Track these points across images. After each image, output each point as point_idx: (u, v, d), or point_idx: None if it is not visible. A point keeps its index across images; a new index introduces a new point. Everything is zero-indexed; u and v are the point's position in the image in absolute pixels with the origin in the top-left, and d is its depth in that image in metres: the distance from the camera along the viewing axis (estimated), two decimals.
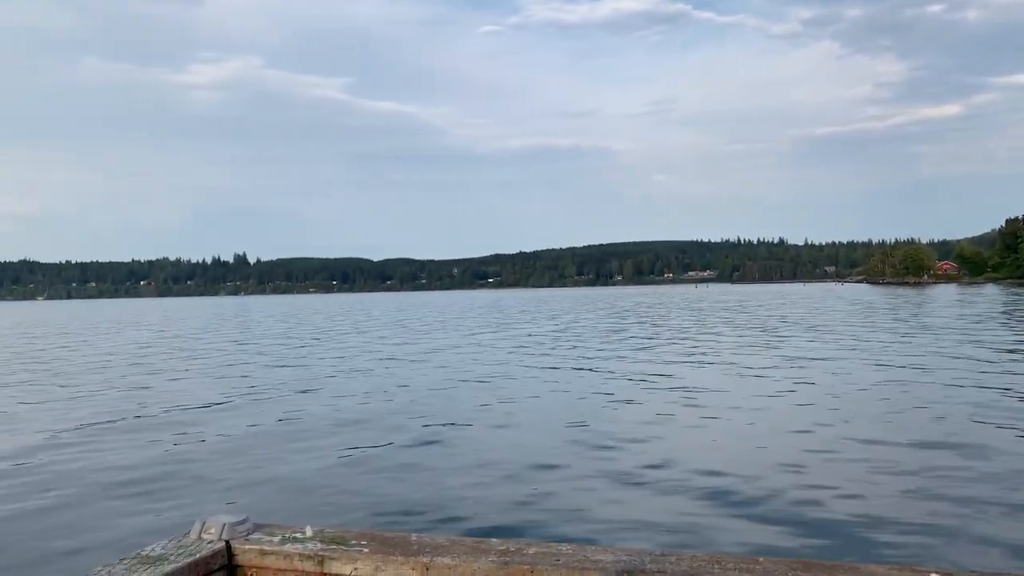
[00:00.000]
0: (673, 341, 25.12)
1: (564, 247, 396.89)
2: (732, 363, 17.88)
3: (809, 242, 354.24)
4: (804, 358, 18.47)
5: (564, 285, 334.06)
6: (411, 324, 43.26)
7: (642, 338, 26.90)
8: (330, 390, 14.88)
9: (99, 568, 2.36)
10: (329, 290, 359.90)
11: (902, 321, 33.33)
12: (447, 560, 2.40)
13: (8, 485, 7.96)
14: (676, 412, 11.43)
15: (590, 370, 17.28)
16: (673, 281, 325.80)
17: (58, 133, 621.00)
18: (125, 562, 2.40)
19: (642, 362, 18.62)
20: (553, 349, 23.18)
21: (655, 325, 35.30)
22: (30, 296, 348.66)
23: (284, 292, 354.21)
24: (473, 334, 31.97)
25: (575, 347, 23.71)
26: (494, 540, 2.58)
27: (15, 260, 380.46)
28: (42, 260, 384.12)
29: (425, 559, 2.41)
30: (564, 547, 2.49)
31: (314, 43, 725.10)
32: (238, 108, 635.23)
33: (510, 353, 22.13)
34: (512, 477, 7.79)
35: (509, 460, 8.52)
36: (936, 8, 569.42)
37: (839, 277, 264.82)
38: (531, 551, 2.44)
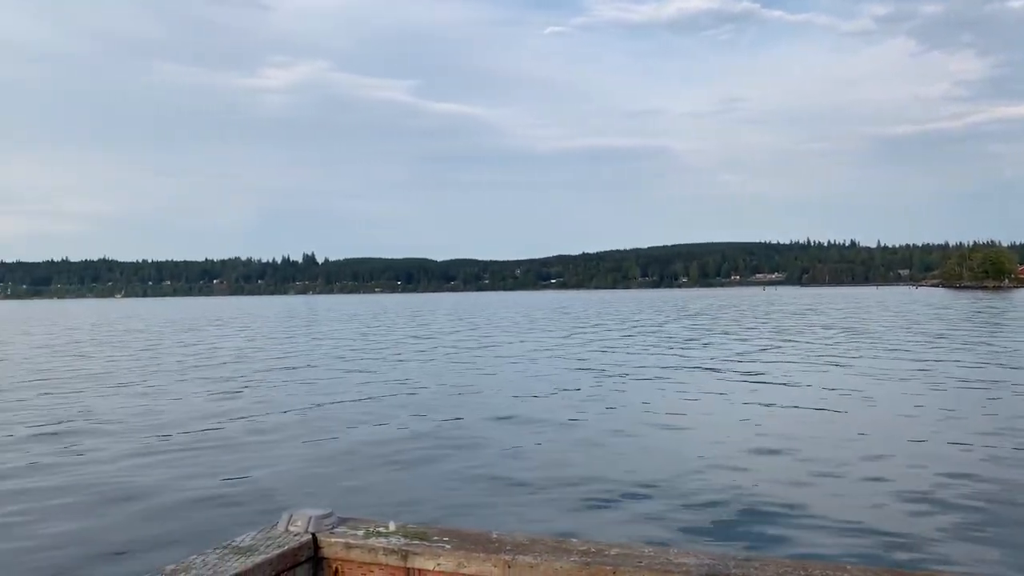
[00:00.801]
0: (779, 343, 25.22)
1: (628, 248, 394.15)
2: (855, 367, 18.03)
3: (882, 244, 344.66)
4: (932, 361, 18.50)
5: (628, 287, 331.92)
6: (499, 324, 43.94)
7: (745, 340, 27.04)
8: (464, 388, 15.59)
9: (193, 556, 2.44)
10: (394, 290, 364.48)
11: (1001, 325, 32.70)
12: (529, 559, 2.41)
13: (145, 471, 8.76)
14: (835, 417, 11.77)
15: (712, 370, 17.65)
16: (740, 283, 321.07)
17: (136, 136, 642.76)
18: (217, 551, 2.48)
19: (763, 363, 18.85)
20: (662, 349, 23.54)
21: (748, 327, 35.27)
22: (108, 294, 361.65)
23: (351, 292, 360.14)
24: (568, 335, 32.47)
25: (683, 347, 24.03)
26: (575, 540, 2.60)
27: (95, 259, 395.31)
28: (120, 259, 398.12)
29: (507, 557, 2.43)
30: (647, 549, 2.49)
31: (381, 46, 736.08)
32: (307, 111, 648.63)
33: (616, 353, 22.59)
34: (682, 477, 8.22)
35: (670, 461, 9.00)
36: (1018, 3, 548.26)
37: (913, 281, 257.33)
38: (613, 552, 2.44)
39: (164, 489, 7.74)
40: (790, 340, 26.61)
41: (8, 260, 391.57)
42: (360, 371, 18.88)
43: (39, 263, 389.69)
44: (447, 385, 15.79)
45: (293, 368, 20.06)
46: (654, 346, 25.11)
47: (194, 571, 2.33)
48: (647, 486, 7.51)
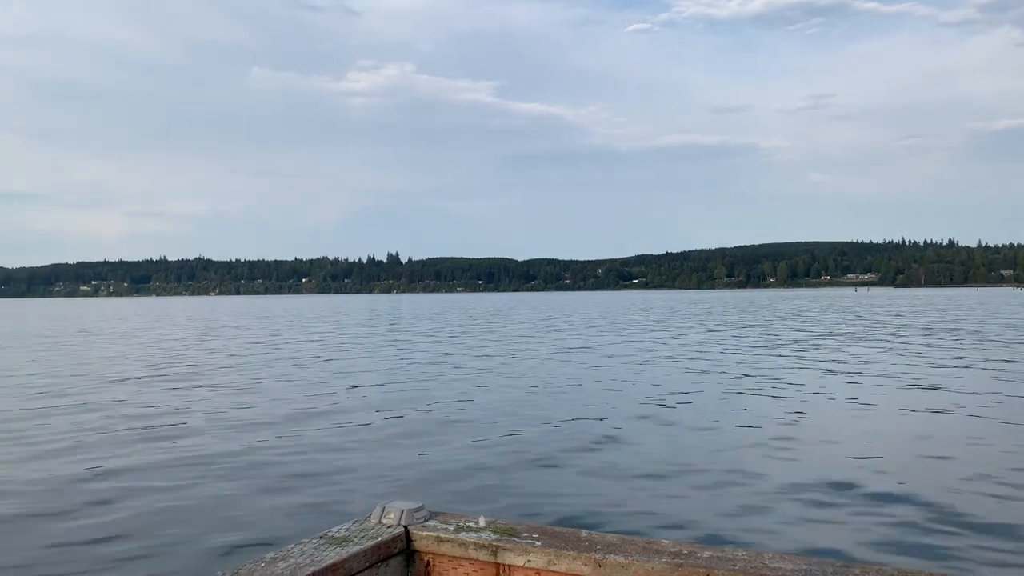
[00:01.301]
0: (894, 345, 24.35)
1: (713, 247, 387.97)
2: (983, 370, 17.26)
3: (983, 243, 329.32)
4: None
5: (713, 287, 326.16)
6: (594, 324, 43.71)
7: (858, 341, 26.17)
8: (582, 388, 15.54)
9: (291, 546, 2.52)
10: (475, 289, 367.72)
11: None
12: (619, 558, 2.38)
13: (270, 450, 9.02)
14: (984, 423, 11.30)
15: (835, 372, 17.12)
16: (830, 284, 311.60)
17: (232, 139, 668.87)
18: (314, 541, 2.56)
19: (887, 364, 18.22)
20: (775, 351, 23.00)
21: (856, 328, 34.15)
22: (203, 291, 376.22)
23: (433, 291, 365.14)
24: (673, 336, 32.07)
25: (797, 349, 23.42)
26: (666, 541, 2.54)
27: (192, 258, 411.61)
28: (215, 258, 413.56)
29: (598, 556, 2.40)
30: (739, 552, 2.43)
31: (465, 48, 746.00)
32: (393, 113, 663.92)
33: (728, 354, 22.18)
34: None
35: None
36: None
37: (1017, 282, 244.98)
38: (705, 554, 2.39)
39: (268, 482, 7.98)
40: (903, 342, 25.66)
41: (111, 259, 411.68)
42: (470, 368, 19.05)
43: (140, 262, 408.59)
44: (563, 385, 15.73)
45: (400, 367, 20.39)
46: (765, 347, 24.58)
47: (292, 559, 2.39)
48: (795, 492, 7.33)
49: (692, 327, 38.16)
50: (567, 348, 25.44)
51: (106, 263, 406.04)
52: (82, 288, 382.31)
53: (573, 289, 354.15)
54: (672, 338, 29.82)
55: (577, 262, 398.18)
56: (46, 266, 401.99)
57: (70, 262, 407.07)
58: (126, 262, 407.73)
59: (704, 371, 17.73)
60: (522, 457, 8.88)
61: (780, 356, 21.36)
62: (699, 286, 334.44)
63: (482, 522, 2.68)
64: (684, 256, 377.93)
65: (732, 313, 58.02)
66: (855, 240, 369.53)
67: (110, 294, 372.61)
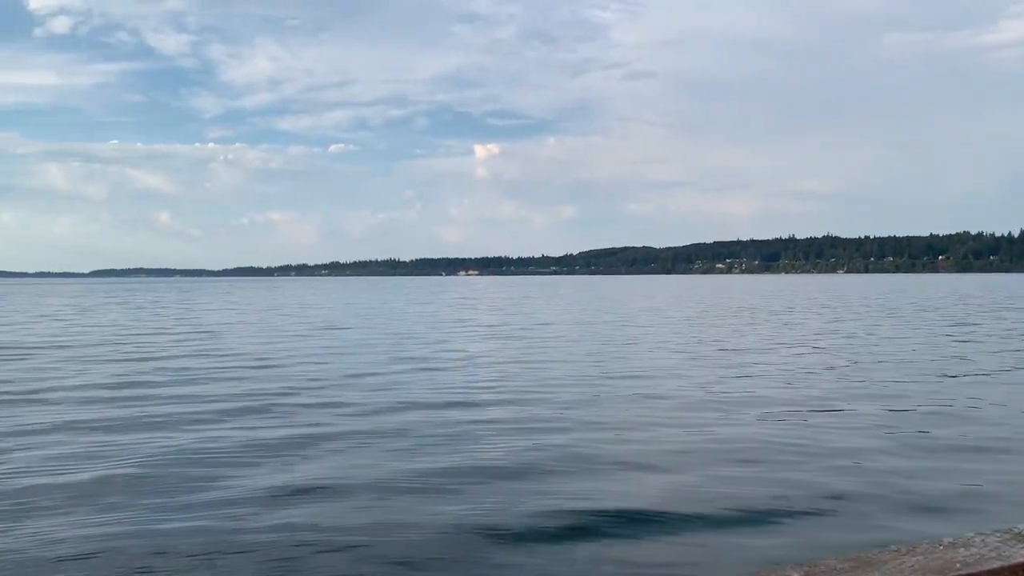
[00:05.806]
0: None
1: None
2: None
3: None
4: None
5: None
6: None
7: None
8: None
9: (972, 535, 2.39)
10: None
11: None
12: None
13: None
14: None
15: None
16: None
17: (859, 111, 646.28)
18: (998, 535, 2.40)
19: None
20: None
21: None
22: (831, 269, 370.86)
23: None
24: None
25: None
26: None
27: (819, 236, 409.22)
28: (843, 235, 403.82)
29: None
30: None
31: None
32: None
33: None
34: None
35: None
36: None
37: None
38: None
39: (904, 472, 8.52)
40: None
41: (743, 238, 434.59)
42: None
43: (769, 240, 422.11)
44: None
45: None
46: None
47: (974, 548, 2.27)
48: None
49: None
50: None
51: (739, 242, 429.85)
52: (717, 266, 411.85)
53: None
54: None
55: None
56: (687, 246, 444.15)
57: (707, 242, 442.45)
58: (757, 241, 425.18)
59: None
60: None
61: None
62: None
63: None
64: None
65: None
66: None
67: (742, 271, 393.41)
